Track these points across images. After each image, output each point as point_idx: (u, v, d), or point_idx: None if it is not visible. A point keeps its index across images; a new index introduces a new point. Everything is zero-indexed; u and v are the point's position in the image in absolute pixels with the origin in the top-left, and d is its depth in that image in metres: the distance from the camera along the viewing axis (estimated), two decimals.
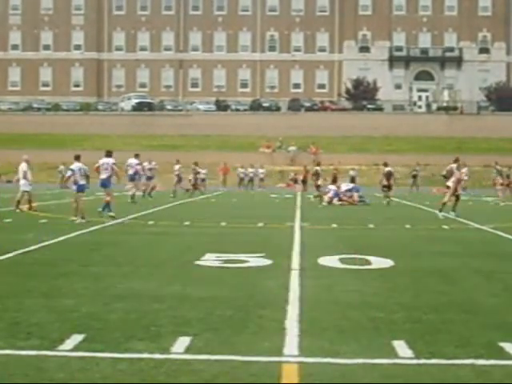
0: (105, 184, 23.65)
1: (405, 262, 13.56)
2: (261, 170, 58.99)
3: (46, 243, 15.95)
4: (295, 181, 53.83)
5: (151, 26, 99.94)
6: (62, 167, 54.44)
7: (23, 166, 27.89)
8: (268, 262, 13.34)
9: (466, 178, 34.52)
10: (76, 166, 22.68)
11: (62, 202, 32.12)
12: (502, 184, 38.54)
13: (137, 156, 35.40)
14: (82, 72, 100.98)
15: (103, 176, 23.50)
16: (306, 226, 21.79)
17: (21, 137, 73.52)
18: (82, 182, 22.60)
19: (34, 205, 27.30)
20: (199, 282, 11.00)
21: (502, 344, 7.28)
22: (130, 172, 34.29)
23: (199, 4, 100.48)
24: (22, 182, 27.43)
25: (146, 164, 40.05)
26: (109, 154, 24.08)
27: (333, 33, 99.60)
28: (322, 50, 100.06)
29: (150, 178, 39.96)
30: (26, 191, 27.26)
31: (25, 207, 26.90)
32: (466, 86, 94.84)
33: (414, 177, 54.87)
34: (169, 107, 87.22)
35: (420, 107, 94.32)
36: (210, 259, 13.61)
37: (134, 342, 7.24)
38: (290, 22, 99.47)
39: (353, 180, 57.85)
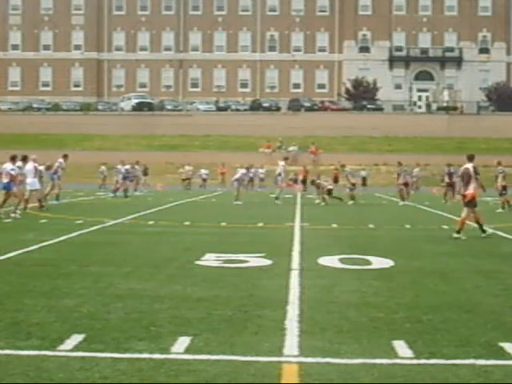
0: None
1: (405, 262, 13.56)
2: (261, 170, 58.99)
3: (46, 243, 15.96)
4: (295, 181, 53.78)
5: (151, 26, 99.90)
6: (103, 168, 54.51)
7: (36, 166, 27.92)
8: (268, 262, 13.35)
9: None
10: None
11: (62, 202, 32.12)
12: (403, 183, 38.11)
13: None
14: (81, 72, 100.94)
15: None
16: (305, 225, 21.80)
17: (21, 137, 73.48)
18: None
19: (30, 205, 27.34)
20: (199, 282, 11.01)
21: (501, 344, 7.29)
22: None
23: (199, 4, 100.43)
24: (32, 180, 27.38)
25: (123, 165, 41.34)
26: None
27: (333, 33, 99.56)
28: (322, 49, 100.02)
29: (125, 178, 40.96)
30: (37, 189, 27.48)
31: (36, 205, 27.15)
32: (466, 86, 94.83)
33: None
34: (169, 107, 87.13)
35: (420, 107, 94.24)
36: (210, 259, 13.61)
37: (134, 342, 7.24)
38: (290, 21, 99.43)
39: (364, 181, 57.96)
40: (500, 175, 31.08)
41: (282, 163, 37.40)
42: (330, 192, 34.73)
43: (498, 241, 18.26)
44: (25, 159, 26.28)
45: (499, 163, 31.99)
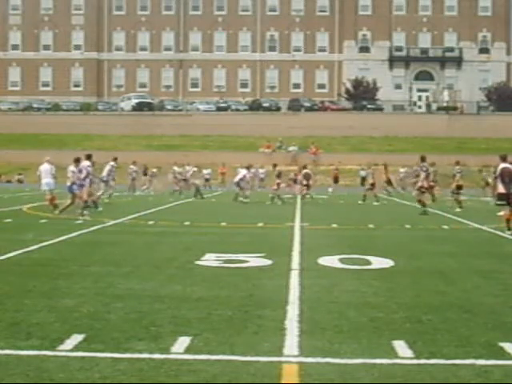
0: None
1: (405, 262, 13.56)
2: (261, 170, 58.98)
3: (46, 243, 15.95)
4: (294, 181, 53.75)
5: (151, 26, 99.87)
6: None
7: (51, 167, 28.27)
8: (268, 262, 13.35)
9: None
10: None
11: (61, 201, 32.08)
12: (370, 184, 37.99)
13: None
14: (81, 72, 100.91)
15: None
16: (305, 225, 21.80)
17: (21, 137, 73.53)
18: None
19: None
20: (199, 282, 11.01)
21: (501, 344, 7.29)
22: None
23: (199, 4, 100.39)
24: (50, 181, 27.64)
25: (176, 168, 44.16)
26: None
27: (333, 33, 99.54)
28: (322, 50, 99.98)
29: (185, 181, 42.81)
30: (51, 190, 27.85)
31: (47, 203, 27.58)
32: (466, 86, 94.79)
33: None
34: (169, 107, 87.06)
35: (420, 107, 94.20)
36: (210, 259, 13.61)
37: (134, 342, 7.24)
38: (290, 21, 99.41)
39: (363, 180, 57.97)
40: (458, 175, 31.58)
41: (244, 172, 37.25)
42: (278, 185, 36.70)
43: (497, 241, 18.26)
44: (89, 158, 26.26)
45: (457, 163, 32.65)
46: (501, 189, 19.41)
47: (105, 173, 33.62)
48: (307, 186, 37.58)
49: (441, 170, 50.87)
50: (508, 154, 20.41)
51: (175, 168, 43.95)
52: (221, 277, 11.52)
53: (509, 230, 19.33)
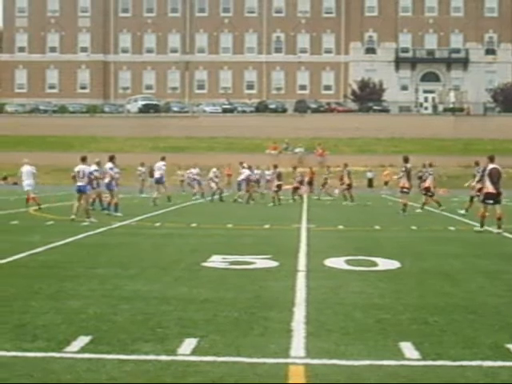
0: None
1: (411, 264, 13.55)
2: (267, 172, 58.95)
3: (53, 245, 15.98)
4: (301, 182, 53.70)
5: (157, 27, 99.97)
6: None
7: (32, 168, 29.39)
8: (274, 263, 13.34)
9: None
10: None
11: (65, 204, 32.14)
12: (347, 184, 37.97)
13: (163, 159, 36.02)
14: (88, 74, 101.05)
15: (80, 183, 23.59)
16: (312, 227, 21.79)
17: (27, 139, 73.63)
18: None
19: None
20: (205, 283, 11.01)
21: (508, 345, 7.28)
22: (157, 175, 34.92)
23: (205, 6, 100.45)
24: (31, 182, 28.78)
25: (193, 170, 43.84)
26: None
27: (339, 34, 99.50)
28: (328, 51, 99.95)
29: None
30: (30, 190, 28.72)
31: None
32: (472, 87, 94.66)
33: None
34: (175, 109, 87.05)
35: (426, 108, 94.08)
36: (216, 261, 13.62)
37: (141, 343, 7.25)
38: (296, 23, 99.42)
39: (370, 182, 57.97)
40: (430, 176, 31.70)
41: (247, 172, 38.81)
42: (278, 187, 36.39)
43: (502, 241, 18.24)
44: (112, 159, 26.73)
45: (430, 165, 32.75)
46: (490, 188, 20.21)
47: (158, 174, 34.58)
48: (279, 186, 36.77)
49: (446, 170, 50.86)
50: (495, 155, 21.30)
51: (192, 170, 44.16)
52: (227, 278, 11.52)
53: (482, 226, 20.28)
